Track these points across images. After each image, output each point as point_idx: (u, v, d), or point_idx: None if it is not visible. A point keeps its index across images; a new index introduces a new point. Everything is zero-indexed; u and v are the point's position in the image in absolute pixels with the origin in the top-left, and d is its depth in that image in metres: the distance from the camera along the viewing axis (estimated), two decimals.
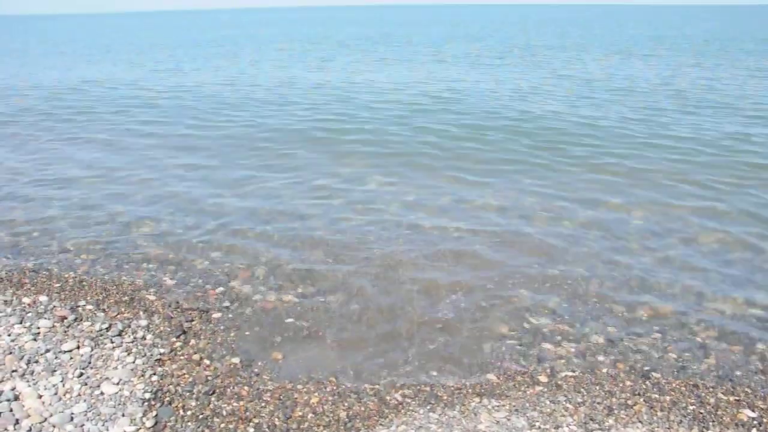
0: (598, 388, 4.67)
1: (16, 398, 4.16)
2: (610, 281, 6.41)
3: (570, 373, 4.88)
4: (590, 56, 29.31)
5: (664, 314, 5.77)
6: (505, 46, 35.17)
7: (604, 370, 4.92)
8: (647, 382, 4.74)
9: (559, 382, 4.75)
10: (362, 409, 4.38)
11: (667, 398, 4.52)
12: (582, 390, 4.64)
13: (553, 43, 39.46)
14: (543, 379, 4.80)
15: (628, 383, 4.73)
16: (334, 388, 4.63)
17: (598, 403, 4.47)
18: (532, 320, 5.69)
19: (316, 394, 4.53)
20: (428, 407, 4.42)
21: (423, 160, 11.00)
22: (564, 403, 4.48)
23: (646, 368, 4.93)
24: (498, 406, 4.43)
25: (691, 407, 4.42)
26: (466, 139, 12.42)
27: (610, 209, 8.53)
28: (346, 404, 4.42)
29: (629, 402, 4.48)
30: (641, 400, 4.51)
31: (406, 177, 9.97)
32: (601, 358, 5.10)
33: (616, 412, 4.37)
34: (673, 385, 4.70)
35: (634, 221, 8.11)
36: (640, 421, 4.25)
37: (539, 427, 4.18)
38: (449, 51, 33.61)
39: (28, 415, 4.00)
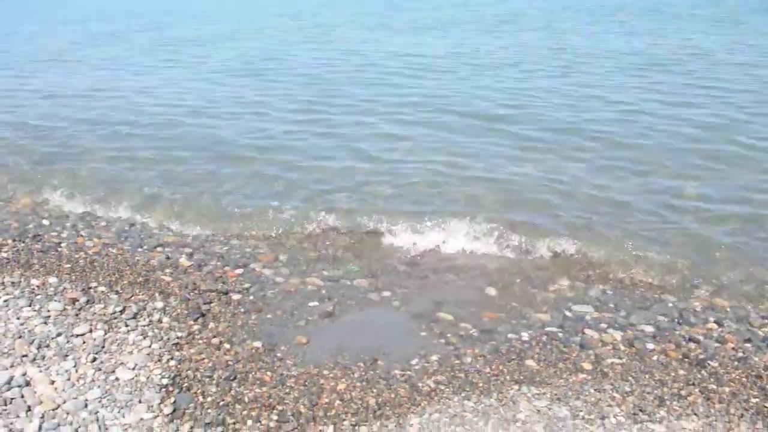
0: (647, 376, 4.62)
1: (28, 384, 4.22)
2: (659, 266, 6.33)
3: (616, 361, 4.83)
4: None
5: (721, 305, 5.68)
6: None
7: (654, 358, 4.86)
8: (703, 372, 4.66)
9: (605, 370, 4.71)
10: (392, 396, 4.38)
11: (726, 389, 4.45)
12: (630, 378, 4.59)
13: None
14: (587, 366, 4.76)
15: (681, 372, 4.67)
16: (363, 373, 4.63)
17: (648, 393, 4.41)
18: (574, 308, 5.65)
19: (344, 380, 4.54)
20: (463, 395, 4.41)
21: (454, 130, 10.92)
22: (610, 391, 4.43)
23: (702, 357, 4.85)
24: (538, 394, 4.40)
25: (753, 400, 4.33)
26: (502, 107, 12.31)
27: (660, 183, 8.38)
28: (375, 391, 4.43)
29: (683, 392, 4.42)
30: (696, 390, 4.44)
31: (434, 149, 9.93)
32: (650, 345, 5.03)
33: (668, 402, 4.31)
34: (733, 375, 4.62)
35: (688, 197, 7.96)
36: (695, 414, 4.19)
37: (583, 418, 4.14)
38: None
39: (41, 402, 4.06)
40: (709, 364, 4.75)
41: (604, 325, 5.35)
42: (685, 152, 9.46)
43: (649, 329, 5.28)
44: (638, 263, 6.35)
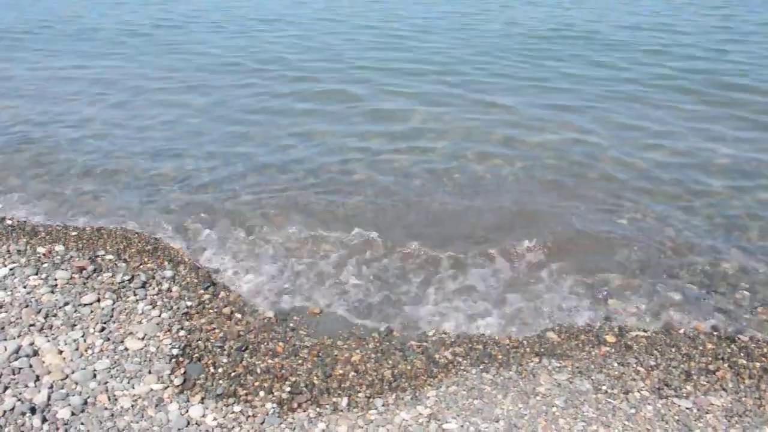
0: (674, 350, 4.60)
1: (35, 354, 4.28)
2: (689, 229, 6.26)
3: (641, 333, 4.81)
4: None
5: (754, 269, 5.61)
6: None
7: (681, 331, 4.84)
8: (733, 346, 4.63)
9: (629, 343, 4.69)
10: (408, 368, 4.41)
11: (757, 365, 4.42)
12: (655, 352, 4.58)
13: None
14: (610, 338, 4.75)
15: (709, 346, 4.64)
16: (378, 344, 4.67)
17: (674, 367, 4.40)
18: (598, 274, 5.60)
19: (358, 351, 4.58)
20: (481, 367, 4.43)
21: (473, 87, 10.78)
22: (634, 365, 4.43)
23: (731, 330, 4.82)
24: (559, 367, 4.41)
25: None
26: (526, 64, 12.12)
27: (691, 144, 8.27)
28: (390, 362, 4.46)
29: (711, 367, 4.40)
30: (725, 365, 4.42)
31: (453, 108, 9.80)
32: (677, 317, 5.01)
33: (695, 377, 4.29)
34: (765, 349, 4.58)
35: (719, 158, 7.85)
36: (724, 389, 4.18)
37: (606, 392, 4.15)
38: None
39: (49, 372, 4.12)
40: (739, 338, 4.72)
41: (628, 293, 5.33)
42: (714, 115, 9.30)
43: (677, 298, 5.24)
44: (666, 229, 6.28)
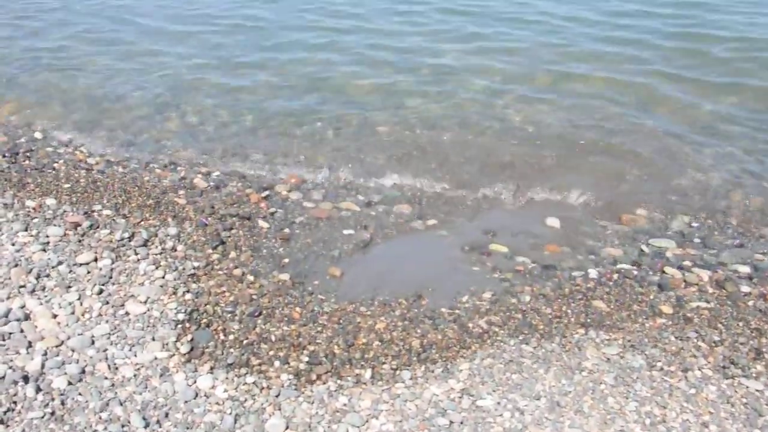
0: (741, 324, 4.52)
1: (27, 317, 4.30)
2: (758, 194, 6.15)
3: (703, 305, 4.73)
4: None
5: None
6: None
7: (750, 303, 4.75)
8: None
9: (689, 315, 4.62)
10: (439, 337, 4.39)
11: None
12: (719, 326, 4.50)
13: None
14: (666, 310, 4.68)
15: None
16: (405, 311, 4.65)
17: (742, 344, 4.32)
18: (652, 242, 5.55)
19: (383, 318, 4.56)
20: (520, 338, 4.40)
21: (510, 28, 10.66)
22: (695, 340, 4.36)
23: None
24: (608, 340, 4.36)
25: None
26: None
27: (759, 94, 8.08)
28: (419, 331, 4.44)
29: None
30: None
31: (489, 49, 9.70)
32: (745, 288, 4.91)
33: (766, 356, 4.21)
34: None
35: None
36: None
37: (662, 369, 4.09)
38: None
39: (42, 338, 4.14)
40: None
41: (688, 263, 5.24)
42: None
43: (745, 270, 5.15)
44: (733, 191, 6.19)
